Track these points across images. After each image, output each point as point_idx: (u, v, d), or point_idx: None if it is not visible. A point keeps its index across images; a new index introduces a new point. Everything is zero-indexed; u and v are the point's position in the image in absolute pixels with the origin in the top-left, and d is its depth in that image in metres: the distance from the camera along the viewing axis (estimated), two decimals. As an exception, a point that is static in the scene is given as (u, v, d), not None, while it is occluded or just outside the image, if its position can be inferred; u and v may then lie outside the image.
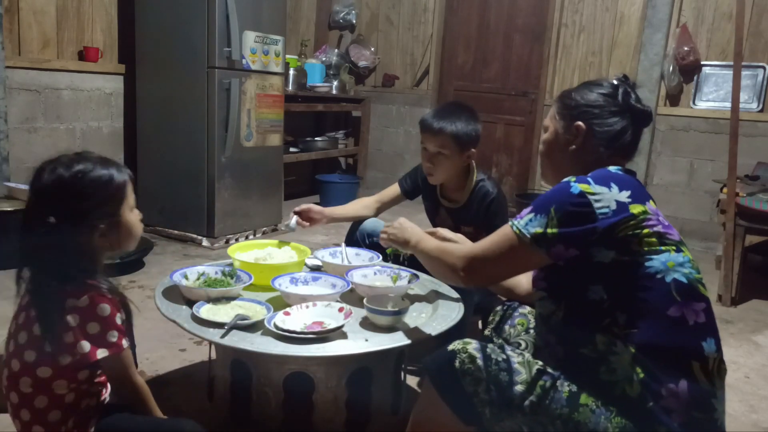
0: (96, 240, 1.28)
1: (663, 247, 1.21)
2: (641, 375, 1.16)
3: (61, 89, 3.68)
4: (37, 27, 3.51)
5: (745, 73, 4.05)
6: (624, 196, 1.22)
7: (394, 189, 2.50)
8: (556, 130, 1.43)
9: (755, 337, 2.90)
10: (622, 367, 1.18)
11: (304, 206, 2.30)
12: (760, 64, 4.33)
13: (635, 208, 1.21)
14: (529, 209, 1.28)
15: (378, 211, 2.48)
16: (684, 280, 1.21)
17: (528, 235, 1.24)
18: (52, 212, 1.22)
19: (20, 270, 1.27)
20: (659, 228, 1.23)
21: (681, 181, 4.66)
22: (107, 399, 1.39)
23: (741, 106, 3.47)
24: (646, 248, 1.20)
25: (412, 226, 1.65)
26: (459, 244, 1.61)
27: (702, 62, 4.48)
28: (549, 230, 1.22)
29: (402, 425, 1.68)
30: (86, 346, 1.21)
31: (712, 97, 4.53)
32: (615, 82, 1.40)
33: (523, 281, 1.61)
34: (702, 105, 4.55)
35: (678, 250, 1.23)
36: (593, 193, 1.21)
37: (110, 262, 1.46)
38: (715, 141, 4.49)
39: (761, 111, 4.36)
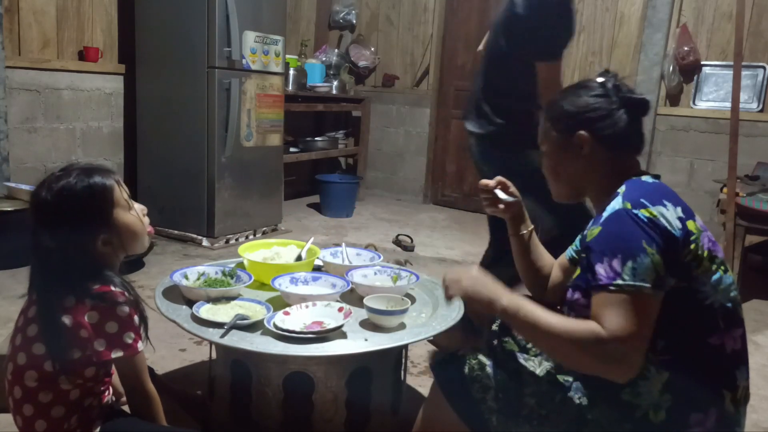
0: (100, 248, 1.29)
1: (713, 267, 1.16)
2: (669, 403, 1.13)
3: (61, 89, 3.68)
4: (37, 27, 3.51)
5: (745, 73, 4.05)
6: (680, 212, 1.16)
7: None
8: (556, 146, 1.35)
9: (755, 337, 2.90)
10: (649, 392, 1.14)
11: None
12: (760, 64, 4.32)
13: (691, 226, 1.15)
14: (616, 259, 1.11)
15: None
16: (729, 304, 1.16)
17: (648, 285, 1.08)
18: (48, 232, 1.23)
19: (32, 273, 1.28)
20: (710, 246, 1.17)
21: (681, 181, 4.66)
22: (111, 401, 1.40)
23: (741, 106, 3.46)
24: (701, 271, 1.14)
25: (485, 277, 1.27)
26: (574, 320, 1.18)
27: (702, 62, 4.48)
28: (659, 268, 1.09)
29: (402, 425, 1.68)
30: (101, 344, 1.22)
31: (712, 97, 4.53)
32: (600, 79, 1.33)
33: (550, 274, 1.54)
34: (702, 105, 4.55)
35: (725, 270, 1.18)
36: (657, 216, 1.13)
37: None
38: (715, 141, 4.49)
39: (761, 111, 4.36)
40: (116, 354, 1.23)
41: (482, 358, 1.22)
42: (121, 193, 1.33)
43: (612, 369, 1.09)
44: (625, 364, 1.08)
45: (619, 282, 1.09)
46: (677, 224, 1.13)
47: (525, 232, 1.56)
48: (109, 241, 1.30)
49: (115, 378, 1.57)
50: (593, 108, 1.30)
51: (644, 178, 1.27)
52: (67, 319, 1.21)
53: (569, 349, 1.12)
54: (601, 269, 1.12)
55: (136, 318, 1.27)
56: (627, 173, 1.27)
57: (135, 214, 1.36)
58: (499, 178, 1.57)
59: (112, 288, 1.25)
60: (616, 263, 1.10)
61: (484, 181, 1.57)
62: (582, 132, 1.29)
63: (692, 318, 1.15)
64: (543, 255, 1.57)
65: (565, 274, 1.47)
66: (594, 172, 1.31)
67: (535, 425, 1.19)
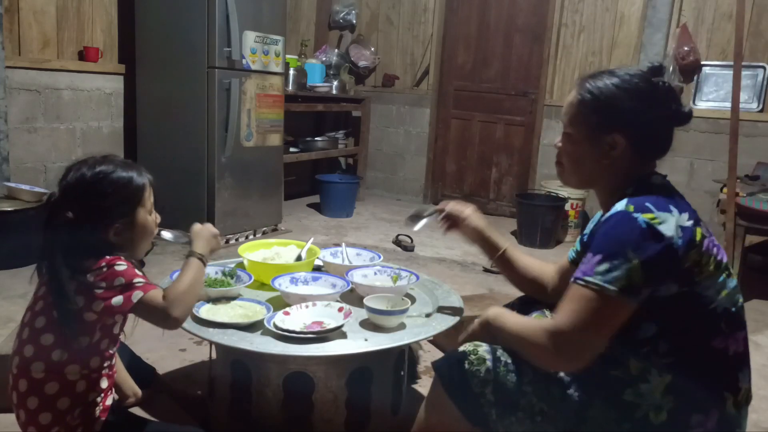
0: (111, 237, 1.33)
1: (718, 272, 1.15)
2: (671, 404, 1.13)
3: (61, 89, 3.68)
4: (37, 27, 3.50)
5: (745, 73, 4.04)
6: (685, 219, 1.13)
7: None
8: (585, 138, 1.27)
9: (755, 337, 2.90)
10: (651, 394, 1.14)
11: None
12: (760, 64, 4.32)
13: (697, 234, 1.14)
14: (597, 257, 1.11)
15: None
16: (733, 309, 1.17)
17: (614, 288, 1.08)
18: (71, 208, 1.28)
19: (40, 262, 1.31)
20: (714, 251, 1.16)
21: (681, 181, 4.65)
22: (113, 400, 1.41)
23: (741, 106, 3.46)
24: (705, 277, 1.14)
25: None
26: (531, 319, 1.30)
27: (702, 62, 4.48)
28: (635, 277, 1.08)
29: (402, 425, 1.68)
30: (119, 299, 1.25)
31: (712, 97, 4.53)
32: (654, 78, 1.24)
33: (549, 280, 1.56)
34: (702, 105, 4.55)
35: (729, 274, 1.18)
36: (660, 222, 1.10)
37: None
38: (715, 141, 4.49)
39: (761, 111, 4.36)
40: (136, 297, 1.25)
41: (483, 352, 1.22)
42: (149, 195, 1.40)
43: (555, 360, 1.14)
44: (567, 356, 1.12)
45: (588, 278, 1.11)
46: (678, 232, 1.11)
47: (500, 252, 1.62)
48: (120, 233, 1.34)
49: (119, 378, 1.58)
50: (637, 112, 1.22)
51: (653, 178, 1.26)
52: (80, 300, 1.24)
53: (525, 343, 1.19)
54: (583, 264, 1.15)
55: (136, 270, 1.30)
56: (640, 173, 1.26)
57: (152, 218, 1.42)
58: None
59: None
60: (595, 260, 1.12)
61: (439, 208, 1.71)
62: (618, 135, 1.24)
63: (696, 322, 1.15)
64: (530, 265, 1.60)
65: (567, 276, 1.48)
66: (614, 175, 1.28)
67: (534, 420, 1.19)
